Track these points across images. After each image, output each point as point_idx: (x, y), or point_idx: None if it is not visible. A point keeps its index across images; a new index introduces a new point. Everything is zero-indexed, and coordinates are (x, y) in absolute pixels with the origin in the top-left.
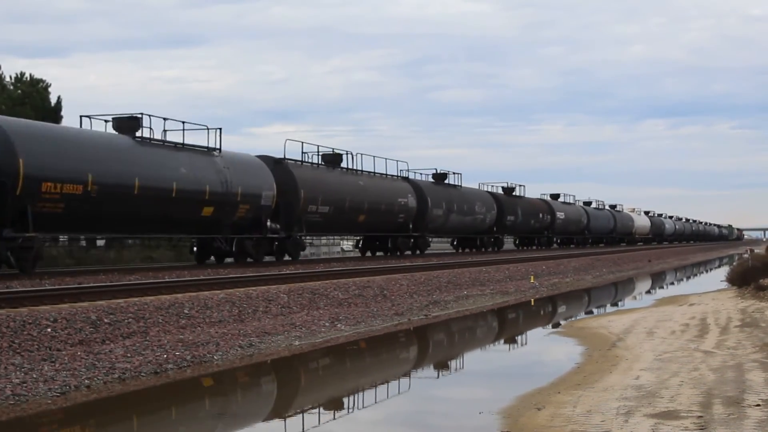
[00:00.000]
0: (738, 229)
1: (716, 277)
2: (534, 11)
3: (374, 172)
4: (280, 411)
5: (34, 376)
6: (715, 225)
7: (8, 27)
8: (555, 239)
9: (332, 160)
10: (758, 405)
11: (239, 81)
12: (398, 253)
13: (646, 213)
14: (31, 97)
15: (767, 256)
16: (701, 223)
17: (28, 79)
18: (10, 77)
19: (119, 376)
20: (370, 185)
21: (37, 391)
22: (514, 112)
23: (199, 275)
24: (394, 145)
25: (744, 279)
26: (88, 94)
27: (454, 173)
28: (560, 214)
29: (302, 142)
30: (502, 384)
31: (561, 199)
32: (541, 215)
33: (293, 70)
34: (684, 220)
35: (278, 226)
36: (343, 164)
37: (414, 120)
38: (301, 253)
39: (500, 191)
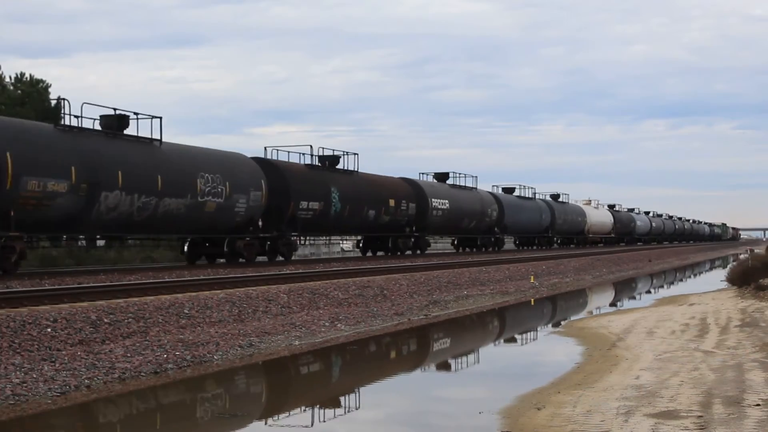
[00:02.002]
0: (734, 228)
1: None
2: (535, 11)
3: None
4: (280, 411)
5: (34, 376)
6: (706, 223)
7: (8, 27)
8: (453, 241)
9: None
10: (758, 405)
11: (240, 81)
12: None
13: (611, 207)
14: (31, 97)
15: (767, 256)
16: (688, 220)
17: (29, 79)
18: (11, 77)
19: (119, 376)
20: None
21: (37, 391)
22: (514, 112)
23: (199, 275)
24: (395, 145)
25: (744, 279)
26: (89, 94)
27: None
28: (440, 203)
29: None
30: (502, 384)
31: (450, 181)
32: (399, 204)
33: (294, 70)
34: (665, 216)
35: None
36: None
37: (415, 120)
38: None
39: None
